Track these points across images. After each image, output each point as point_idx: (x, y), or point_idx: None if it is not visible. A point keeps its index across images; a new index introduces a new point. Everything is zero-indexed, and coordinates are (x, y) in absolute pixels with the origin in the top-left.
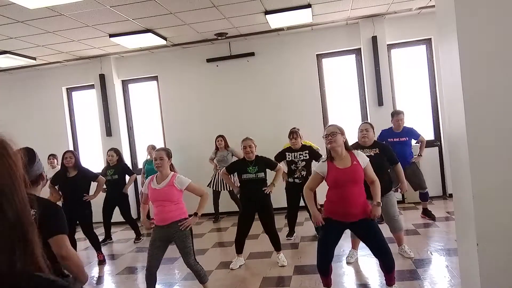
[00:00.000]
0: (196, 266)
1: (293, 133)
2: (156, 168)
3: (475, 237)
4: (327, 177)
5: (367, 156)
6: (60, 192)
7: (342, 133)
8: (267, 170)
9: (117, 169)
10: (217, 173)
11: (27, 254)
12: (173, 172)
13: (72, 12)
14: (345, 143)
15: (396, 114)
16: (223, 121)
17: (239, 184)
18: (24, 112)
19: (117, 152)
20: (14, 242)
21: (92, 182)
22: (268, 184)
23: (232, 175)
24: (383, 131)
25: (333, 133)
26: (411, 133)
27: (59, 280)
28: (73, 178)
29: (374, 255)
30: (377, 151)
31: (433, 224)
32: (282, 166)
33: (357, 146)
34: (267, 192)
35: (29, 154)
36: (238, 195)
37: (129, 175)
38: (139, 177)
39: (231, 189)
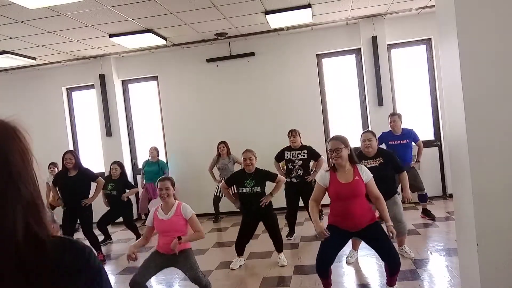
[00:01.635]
0: (205, 279)
1: (292, 131)
2: (162, 198)
3: (475, 237)
4: (329, 189)
5: (371, 167)
6: (59, 192)
7: (346, 145)
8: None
9: (117, 184)
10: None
11: (41, 223)
12: (177, 201)
13: (72, 12)
14: (350, 155)
15: (391, 116)
16: (223, 121)
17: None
18: (24, 112)
19: (121, 166)
20: (30, 216)
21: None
22: (266, 194)
23: (231, 188)
24: (383, 133)
25: (337, 149)
26: (411, 135)
27: (77, 241)
28: (74, 177)
29: (381, 258)
30: (381, 160)
31: (433, 224)
32: (282, 164)
33: (360, 155)
34: (263, 205)
35: None
36: (239, 208)
37: (129, 189)
38: (138, 177)
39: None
